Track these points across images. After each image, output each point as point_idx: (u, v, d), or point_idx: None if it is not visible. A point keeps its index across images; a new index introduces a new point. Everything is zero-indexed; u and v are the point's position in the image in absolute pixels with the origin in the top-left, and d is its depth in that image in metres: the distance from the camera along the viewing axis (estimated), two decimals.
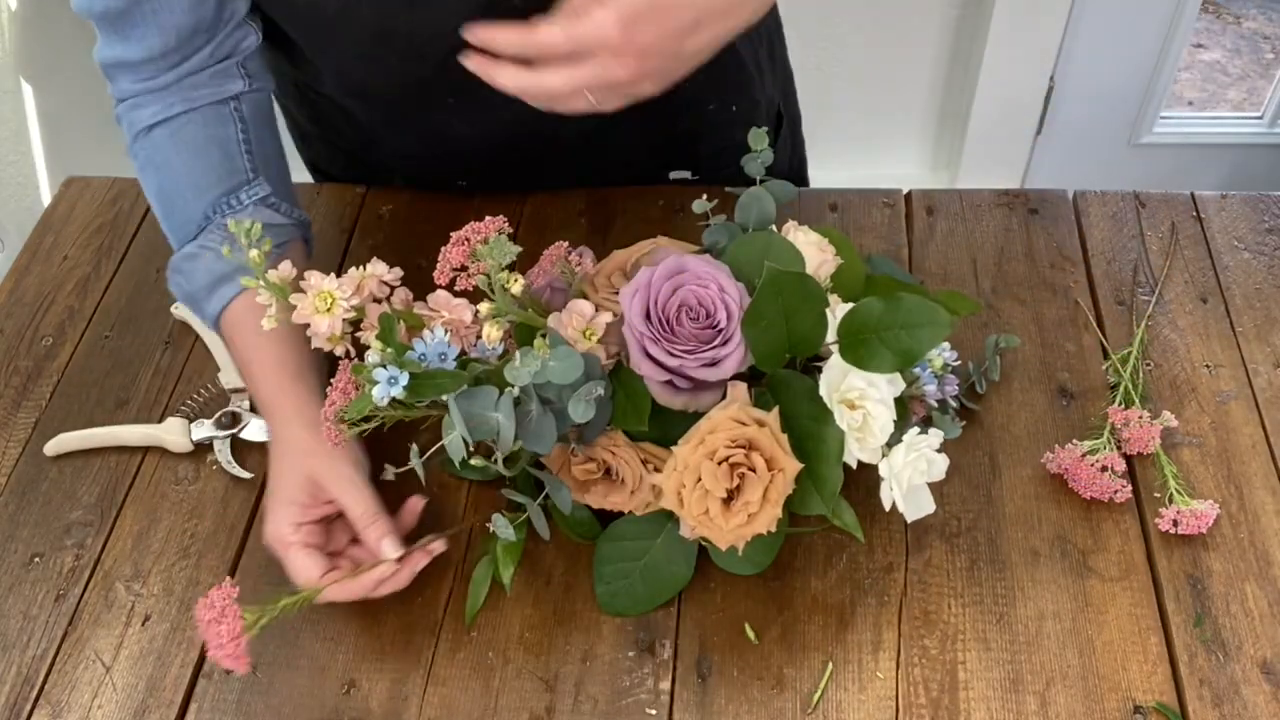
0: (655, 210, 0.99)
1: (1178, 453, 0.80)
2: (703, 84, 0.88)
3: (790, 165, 1.10)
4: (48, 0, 1.92)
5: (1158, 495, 0.77)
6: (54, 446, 0.82)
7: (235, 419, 0.83)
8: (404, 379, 0.61)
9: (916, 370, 0.70)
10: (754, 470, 0.64)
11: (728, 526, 0.64)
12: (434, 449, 0.66)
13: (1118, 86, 2.02)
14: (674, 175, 1.02)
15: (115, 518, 0.79)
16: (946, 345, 0.72)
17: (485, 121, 0.88)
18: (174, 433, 0.82)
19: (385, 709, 0.69)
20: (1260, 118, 2.13)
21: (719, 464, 0.64)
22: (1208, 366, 0.85)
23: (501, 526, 0.70)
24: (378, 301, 0.70)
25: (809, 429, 0.67)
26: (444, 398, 0.63)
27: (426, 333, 0.64)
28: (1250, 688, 0.68)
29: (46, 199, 1.85)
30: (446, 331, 0.64)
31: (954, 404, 0.77)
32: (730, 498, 0.65)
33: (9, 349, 0.91)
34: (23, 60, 1.81)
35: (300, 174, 0.89)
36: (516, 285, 0.63)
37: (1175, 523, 0.74)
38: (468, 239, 0.68)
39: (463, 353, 0.67)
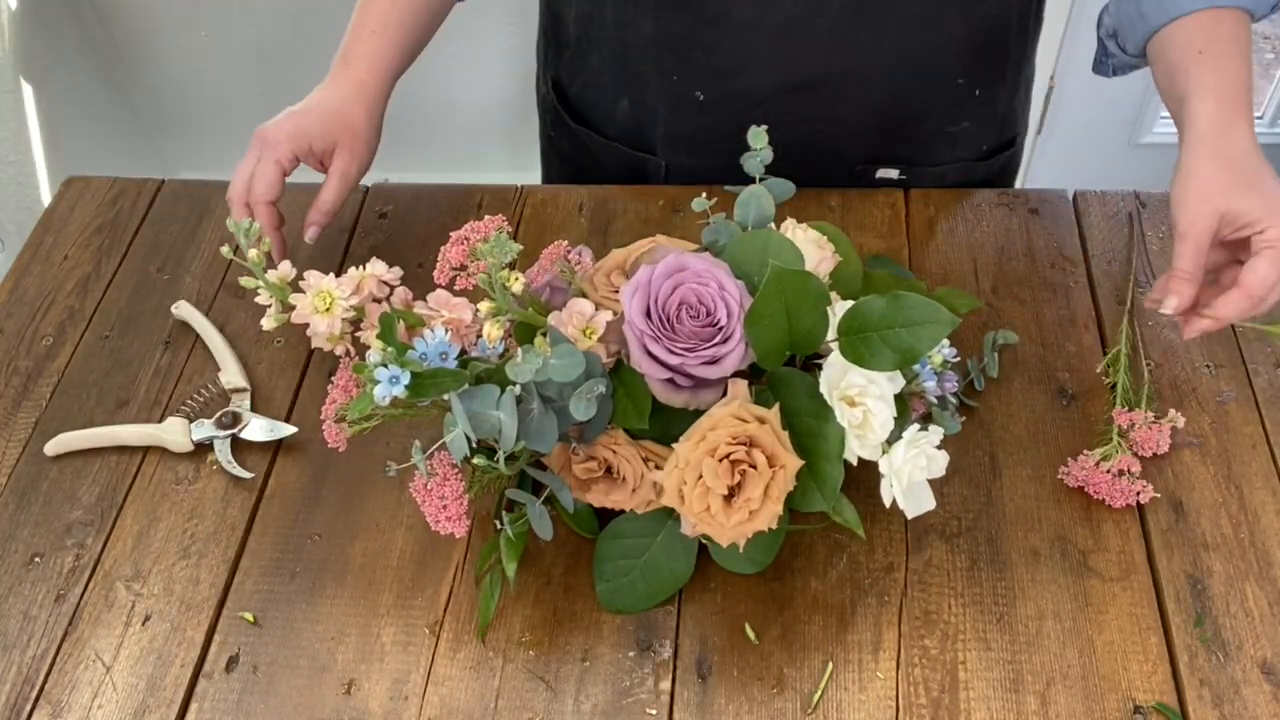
0: (655, 210, 0.99)
1: (1178, 452, 0.80)
2: (959, 59, 0.93)
3: (1002, 175, 1.09)
4: (47, 0, 1.92)
5: (1158, 495, 0.77)
6: (54, 446, 0.82)
7: (235, 419, 0.83)
8: (405, 378, 0.61)
9: (916, 367, 0.70)
10: (755, 467, 0.64)
11: (729, 523, 0.64)
12: (435, 446, 0.66)
13: (1118, 86, 2.02)
14: (881, 174, 1.00)
15: (115, 518, 0.79)
16: (946, 342, 0.72)
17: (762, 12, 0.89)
18: (174, 433, 0.82)
19: (385, 709, 0.69)
20: (1260, 118, 2.13)
21: (720, 461, 0.64)
22: (1208, 366, 0.85)
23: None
24: (377, 301, 0.70)
25: (809, 426, 0.67)
26: (446, 396, 0.63)
27: (427, 332, 0.64)
28: (1250, 688, 0.68)
29: (46, 199, 1.85)
30: (447, 331, 0.64)
31: (953, 401, 0.77)
32: (731, 495, 0.65)
33: (9, 349, 0.91)
34: (23, 60, 1.81)
35: (301, 174, 0.89)
36: (517, 284, 0.63)
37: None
38: (467, 238, 0.68)
39: (463, 352, 0.67)
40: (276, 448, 0.83)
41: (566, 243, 0.75)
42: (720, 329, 0.66)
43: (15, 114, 1.80)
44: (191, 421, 0.83)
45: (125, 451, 0.83)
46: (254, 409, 0.85)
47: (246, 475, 0.81)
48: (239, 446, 0.83)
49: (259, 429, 0.83)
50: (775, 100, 0.94)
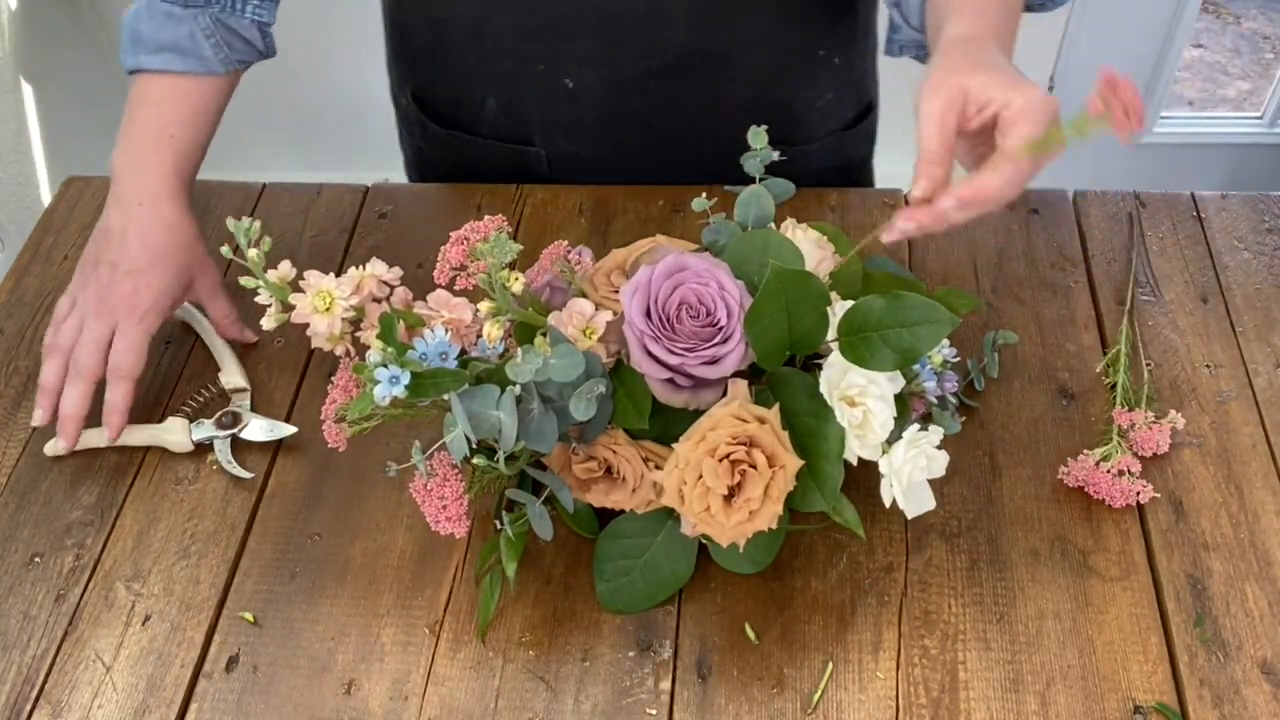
0: (655, 209, 0.99)
1: (1178, 452, 0.80)
2: (818, 30, 0.94)
3: (867, 142, 1.11)
4: (47, 0, 1.92)
5: (1158, 495, 0.77)
6: (53, 447, 0.82)
7: (236, 419, 0.83)
8: (406, 378, 0.61)
9: (916, 367, 0.70)
10: (755, 467, 0.64)
11: (729, 523, 0.64)
12: (435, 446, 0.66)
13: None
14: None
15: (115, 518, 0.79)
16: (946, 342, 0.72)
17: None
18: (174, 433, 0.82)
19: (385, 709, 0.69)
20: (1260, 118, 2.13)
21: (720, 461, 0.64)
22: (1208, 366, 0.85)
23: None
24: (377, 301, 0.70)
25: (809, 426, 0.67)
26: (445, 397, 0.63)
27: (427, 332, 0.64)
28: (1250, 688, 0.68)
29: (46, 199, 1.85)
30: (447, 331, 0.64)
31: (953, 401, 0.77)
32: (731, 495, 0.65)
33: (9, 349, 0.91)
34: (23, 60, 1.81)
35: (300, 174, 0.89)
36: (517, 284, 0.63)
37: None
38: (467, 238, 0.68)
39: (463, 352, 0.67)
40: (276, 448, 0.83)
41: (566, 243, 0.75)
42: (720, 329, 0.66)
43: (15, 114, 1.79)
44: (192, 421, 0.83)
45: (125, 451, 0.83)
46: (254, 409, 0.85)
47: (246, 475, 0.81)
48: (239, 446, 0.83)
49: (259, 429, 0.83)
50: (646, 84, 0.94)
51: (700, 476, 0.64)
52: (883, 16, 0.91)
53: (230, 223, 0.66)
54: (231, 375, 0.86)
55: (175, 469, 0.82)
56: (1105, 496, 0.76)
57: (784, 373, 0.69)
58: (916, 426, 0.67)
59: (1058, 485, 0.78)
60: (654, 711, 0.69)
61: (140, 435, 0.83)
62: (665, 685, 0.70)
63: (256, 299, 0.68)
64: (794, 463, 0.65)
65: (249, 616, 0.74)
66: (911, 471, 0.66)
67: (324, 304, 0.67)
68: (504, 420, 0.62)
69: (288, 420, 0.84)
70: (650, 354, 0.66)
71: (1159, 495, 0.77)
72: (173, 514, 0.79)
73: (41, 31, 1.87)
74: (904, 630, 0.71)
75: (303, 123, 2.15)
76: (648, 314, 0.66)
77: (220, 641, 0.73)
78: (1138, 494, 0.76)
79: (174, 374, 0.88)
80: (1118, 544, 0.75)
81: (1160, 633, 0.71)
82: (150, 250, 0.82)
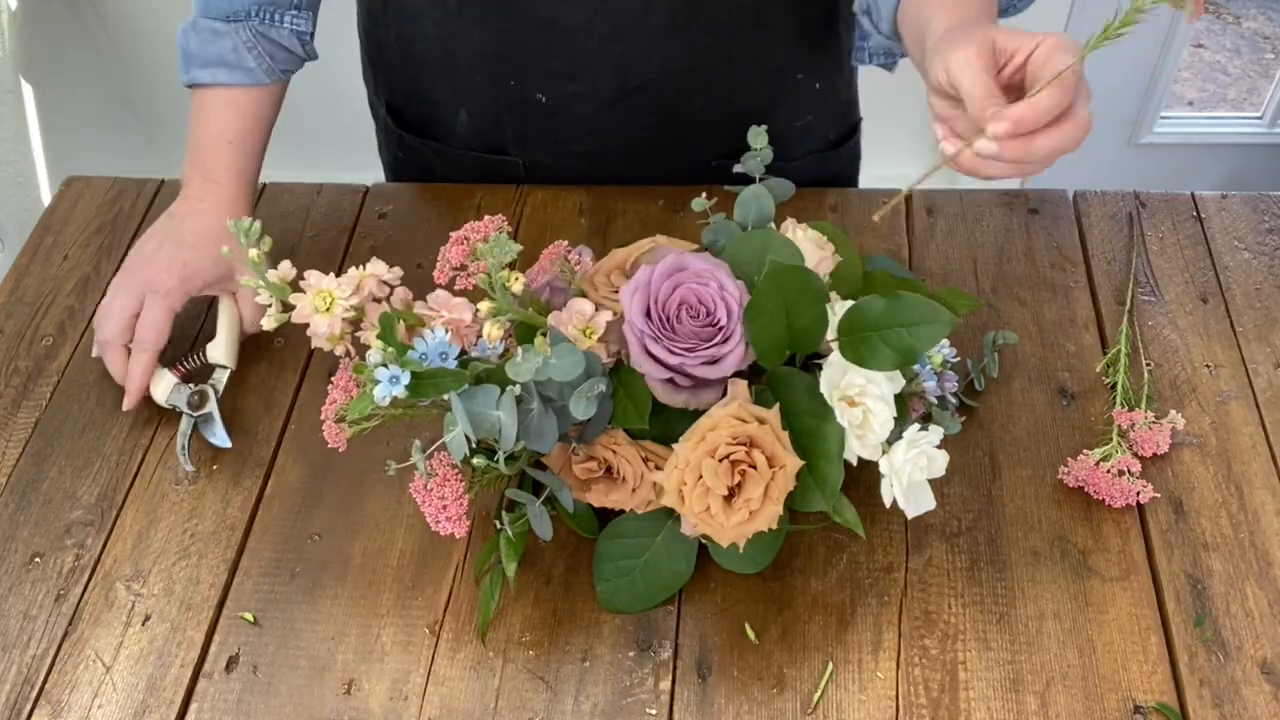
0: (655, 210, 0.99)
1: (1178, 452, 0.80)
2: (796, 54, 0.95)
3: (851, 164, 1.12)
4: (47, 0, 1.92)
5: (1158, 495, 0.77)
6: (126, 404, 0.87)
7: (202, 400, 0.83)
8: (405, 378, 0.61)
9: (915, 367, 0.70)
10: (755, 467, 0.64)
11: (729, 523, 0.64)
12: (435, 446, 0.66)
13: (1118, 86, 2.03)
14: (737, 169, 0.98)
15: (115, 518, 0.79)
16: (945, 342, 0.72)
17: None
18: (160, 381, 0.84)
19: (385, 709, 0.69)
20: (1260, 118, 2.13)
21: (720, 461, 0.64)
22: (1208, 366, 0.85)
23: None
24: (377, 301, 0.70)
25: (809, 426, 0.67)
26: (445, 396, 0.63)
27: (427, 332, 0.64)
28: (1250, 688, 0.68)
29: (46, 199, 1.85)
30: (447, 331, 0.64)
31: (953, 401, 0.77)
32: (731, 495, 0.65)
33: (9, 349, 0.91)
34: (23, 60, 1.81)
35: (300, 174, 0.89)
36: (517, 284, 0.63)
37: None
38: (467, 238, 0.68)
39: (463, 352, 0.67)
40: (276, 448, 0.83)
41: (566, 243, 0.75)
42: (720, 329, 0.66)
43: (15, 114, 1.79)
44: (179, 383, 0.84)
45: (125, 451, 0.83)
46: (240, 408, 0.84)
47: (189, 468, 0.81)
48: (203, 441, 0.83)
49: (210, 428, 0.83)
50: (619, 99, 0.94)
51: (700, 477, 0.64)
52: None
53: (230, 222, 0.66)
54: (217, 351, 0.86)
55: (175, 469, 0.82)
56: (1105, 497, 0.76)
57: (784, 372, 0.69)
58: (916, 426, 0.67)
59: (1058, 485, 0.78)
60: (654, 711, 0.69)
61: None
62: (665, 685, 0.70)
63: (257, 299, 0.68)
64: (794, 463, 0.65)
65: (249, 616, 0.74)
66: (911, 471, 0.66)
67: (324, 304, 0.67)
68: (504, 420, 0.62)
69: (288, 420, 0.84)
70: (650, 354, 0.66)
71: (1159, 495, 0.77)
72: (173, 514, 0.79)
73: (41, 31, 1.87)
74: (904, 630, 0.71)
75: (303, 123, 2.14)
76: (648, 314, 0.66)
77: (220, 641, 0.73)
78: (1137, 494, 0.76)
79: (190, 328, 0.90)
80: (1118, 544, 0.75)
81: (1160, 633, 0.71)
82: (197, 235, 0.86)
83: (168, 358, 0.85)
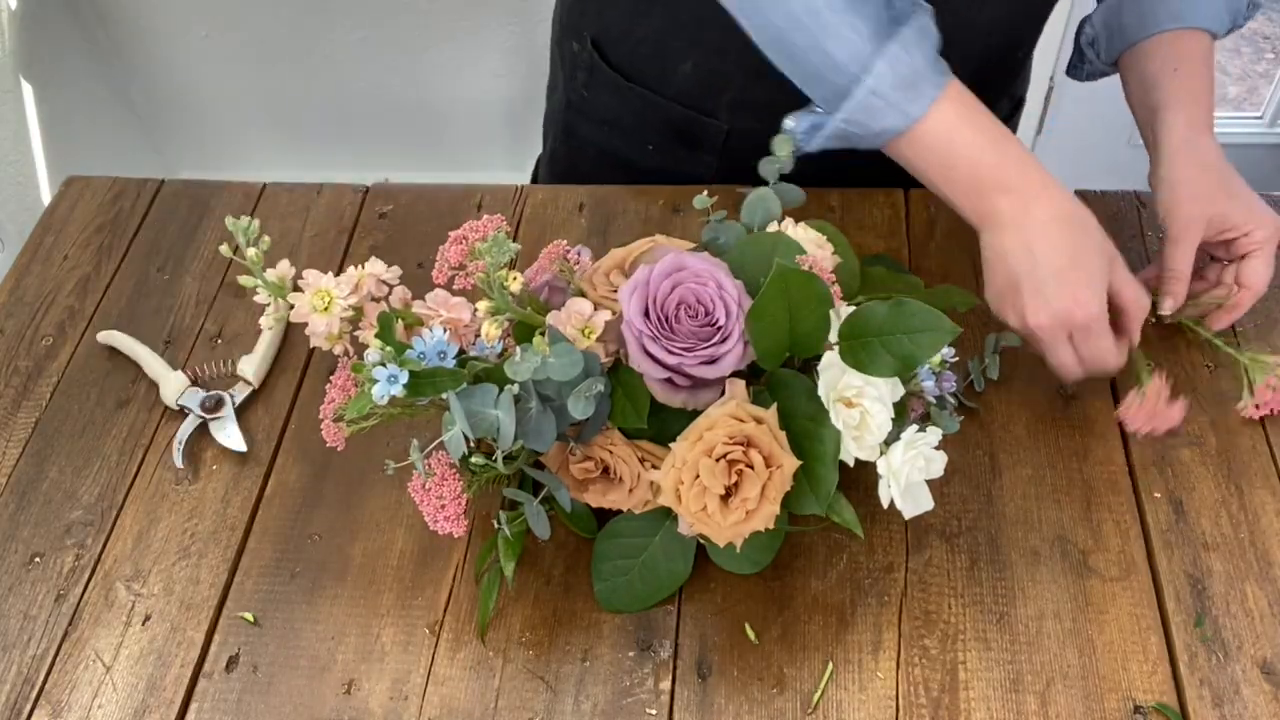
0: (655, 209, 0.99)
1: (1178, 452, 0.80)
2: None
3: None
4: (48, 0, 1.92)
5: (1158, 495, 0.77)
6: (105, 337, 0.89)
7: (218, 404, 0.83)
8: (404, 377, 0.61)
9: None
10: (752, 467, 0.64)
11: (726, 523, 0.64)
12: (433, 445, 0.66)
13: (1118, 86, 2.02)
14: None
15: (115, 518, 0.79)
16: None
17: None
18: (171, 384, 0.85)
19: (385, 709, 0.69)
20: (1260, 118, 2.13)
21: (717, 461, 0.64)
22: (1208, 366, 0.85)
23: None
24: (376, 300, 0.70)
25: (806, 428, 0.67)
26: (444, 396, 0.63)
27: (425, 331, 0.64)
28: (1250, 688, 0.68)
29: (46, 199, 1.85)
30: (445, 330, 0.64)
31: (952, 400, 0.77)
32: (728, 494, 0.65)
33: (9, 349, 0.91)
34: (23, 60, 1.81)
35: (300, 174, 0.89)
36: (515, 284, 0.63)
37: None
38: (466, 238, 0.68)
39: (462, 351, 0.67)
40: (276, 448, 0.83)
41: (565, 242, 0.75)
42: (719, 329, 0.66)
43: (15, 114, 1.80)
44: (191, 385, 0.85)
45: (125, 451, 0.83)
46: (240, 409, 0.84)
47: (179, 465, 0.81)
48: (204, 443, 0.83)
49: (223, 429, 0.83)
50: None
51: (697, 476, 0.64)
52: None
53: (229, 221, 0.66)
54: (248, 366, 0.86)
55: (175, 469, 0.82)
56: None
57: (782, 374, 0.69)
58: (915, 427, 0.67)
59: (1058, 485, 0.78)
60: (654, 711, 0.69)
61: (153, 368, 0.86)
62: (665, 685, 0.70)
63: (255, 298, 0.68)
64: (791, 463, 0.65)
65: (249, 616, 0.74)
66: (909, 472, 0.66)
67: (322, 303, 0.67)
68: (502, 419, 0.62)
69: (288, 420, 0.85)
70: (649, 353, 0.66)
71: (1159, 495, 0.77)
72: (173, 514, 0.79)
73: (41, 31, 1.87)
74: (904, 630, 0.71)
75: (303, 123, 2.15)
76: (646, 314, 0.66)
77: (220, 641, 0.73)
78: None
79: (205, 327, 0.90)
80: (1118, 544, 0.75)
81: (1160, 633, 0.71)
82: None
83: (197, 376, 0.87)
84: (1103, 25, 0.90)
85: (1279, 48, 2.52)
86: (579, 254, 0.75)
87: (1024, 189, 0.72)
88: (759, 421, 0.65)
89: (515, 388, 0.63)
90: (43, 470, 0.83)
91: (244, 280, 0.67)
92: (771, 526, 0.65)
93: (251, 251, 0.65)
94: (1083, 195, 0.98)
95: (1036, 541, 0.75)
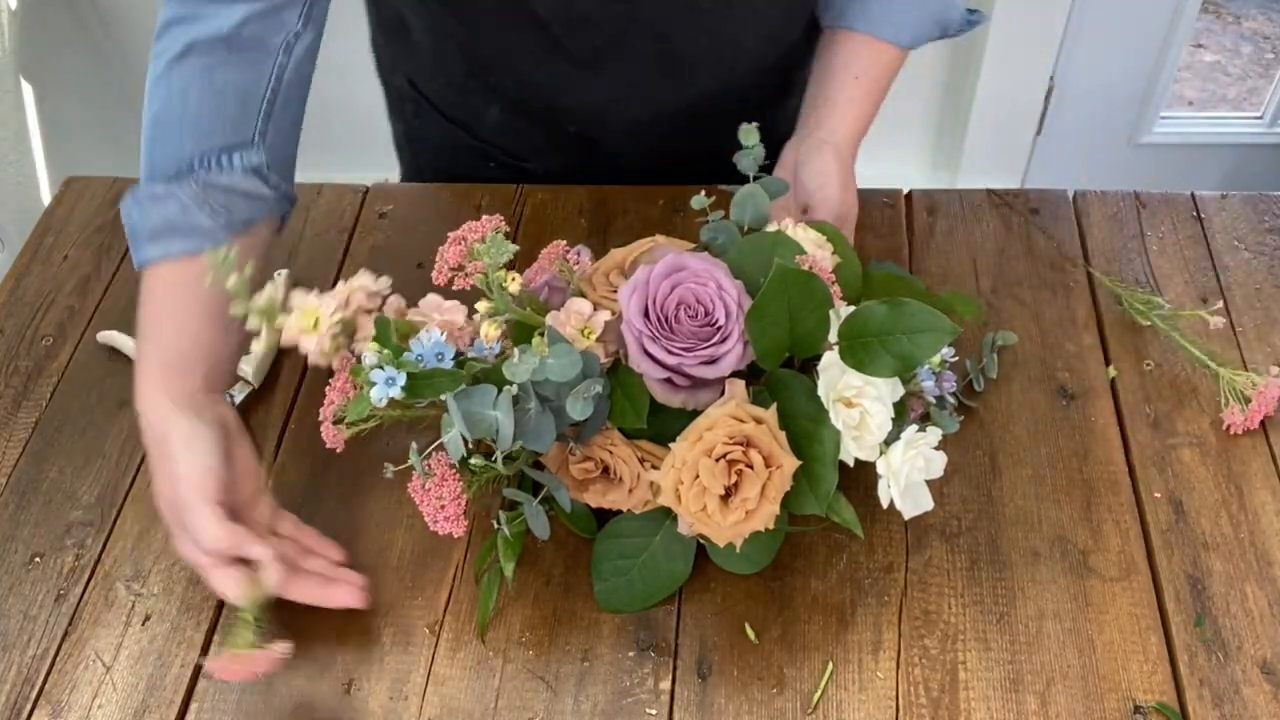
0: (655, 210, 0.99)
1: (1178, 452, 0.80)
2: (770, 92, 1.00)
3: None
4: (48, 0, 1.92)
5: (1158, 495, 0.77)
6: (105, 337, 0.89)
7: None
8: (402, 380, 0.61)
9: None
10: (751, 467, 0.64)
11: (725, 523, 0.64)
12: (433, 446, 0.66)
13: (1118, 86, 2.03)
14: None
15: (115, 518, 0.79)
16: None
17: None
18: None
19: (385, 709, 0.69)
20: (1260, 118, 2.13)
21: (717, 461, 0.64)
22: (1208, 366, 0.85)
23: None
24: (369, 313, 0.70)
25: (806, 429, 0.67)
26: (442, 397, 0.63)
27: (423, 333, 0.64)
28: (1250, 688, 0.68)
29: (46, 199, 1.85)
30: (443, 331, 0.64)
31: (952, 400, 0.77)
32: (728, 494, 0.65)
33: (9, 349, 0.91)
34: (23, 60, 1.81)
35: (300, 174, 0.89)
36: (514, 284, 0.63)
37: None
38: (464, 238, 0.68)
39: (460, 353, 0.67)
40: (276, 448, 0.83)
41: (565, 242, 0.75)
42: (718, 329, 0.66)
43: (15, 114, 1.79)
44: None
45: (125, 451, 0.83)
46: (242, 409, 0.84)
47: None
48: None
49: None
50: (654, 123, 0.97)
51: (697, 476, 0.64)
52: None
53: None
54: (248, 366, 0.86)
55: None
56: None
57: (782, 374, 0.69)
58: (915, 427, 0.67)
59: (1058, 485, 0.78)
60: (654, 711, 0.69)
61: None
62: (665, 685, 0.70)
63: (247, 327, 0.66)
64: (791, 463, 0.65)
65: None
66: (909, 472, 0.66)
67: (310, 323, 0.67)
68: (501, 420, 0.62)
69: (288, 420, 0.84)
70: (648, 354, 0.66)
71: (1159, 495, 0.77)
72: None
73: (41, 31, 1.87)
74: (904, 630, 0.71)
75: (302, 122, 2.15)
76: (646, 314, 0.66)
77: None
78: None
79: None
80: (1118, 544, 0.75)
81: (1160, 633, 0.71)
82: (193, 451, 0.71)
83: None
84: None
85: (1279, 48, 2.52)
86: (579, 254, 0.75)
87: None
88: (759, 422, 0.65)
89: (514, 389, 0.63)
90: (43, 470, 0.83)
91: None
92: (771, 526, 0.65)
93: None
94: (1082, 195, 0.99)
95: (1036, 542, 0.75)
